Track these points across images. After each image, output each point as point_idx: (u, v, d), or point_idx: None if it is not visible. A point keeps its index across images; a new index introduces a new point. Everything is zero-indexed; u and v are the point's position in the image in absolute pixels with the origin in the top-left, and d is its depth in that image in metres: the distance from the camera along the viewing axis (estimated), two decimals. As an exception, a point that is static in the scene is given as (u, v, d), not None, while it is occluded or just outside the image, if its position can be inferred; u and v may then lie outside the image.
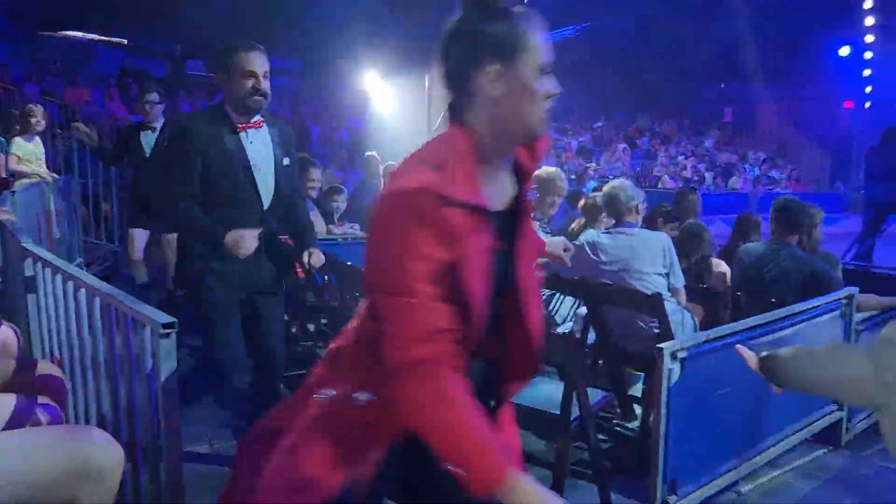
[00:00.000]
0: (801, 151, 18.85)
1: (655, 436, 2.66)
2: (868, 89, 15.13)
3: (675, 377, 2.70)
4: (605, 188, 3.94)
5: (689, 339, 2.82)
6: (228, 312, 2.84)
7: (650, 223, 4.92)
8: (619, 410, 3.91)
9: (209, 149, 2.70)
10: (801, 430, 3.54)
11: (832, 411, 3.72)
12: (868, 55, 14.64)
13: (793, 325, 3.37)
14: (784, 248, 3.98)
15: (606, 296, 3.67)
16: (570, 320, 4.33)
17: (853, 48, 15.35)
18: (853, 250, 8.72)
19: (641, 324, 3.64)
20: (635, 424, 3.72)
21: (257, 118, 2.81)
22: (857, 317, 3.81)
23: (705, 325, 3.90)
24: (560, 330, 4.35)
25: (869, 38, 14.50)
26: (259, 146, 2.82)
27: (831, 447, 3.70)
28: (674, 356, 2.68)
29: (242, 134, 2.78)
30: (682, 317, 3.71)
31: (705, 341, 2.86)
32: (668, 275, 3.73)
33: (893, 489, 3.30)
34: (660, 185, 14.27)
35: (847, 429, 3.78)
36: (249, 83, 2.71)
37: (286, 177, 2.93)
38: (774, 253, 3.99)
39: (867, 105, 15.20)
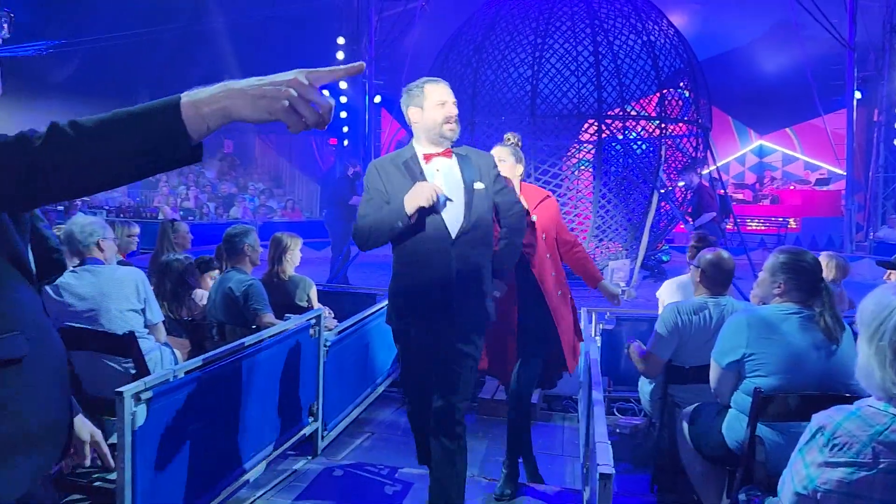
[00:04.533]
0: (295, 182, 20.49)
1: (120, 485, 2.51)
2: (345, 129, 17.23)
3: (140, 420, 2.59)
4: (66, 225, 3.61)
5: (155, 377, 2.74)
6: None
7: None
8: (100, 463, 3.60)
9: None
10: (282, 444, 3.77)
11: (308, 423, 4.04)
12: (343, 99, 16.71)
13: (267, 347, 3.56)
14: (236, 272, 4.18)
15: (75, 340, 3.34)
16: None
17: (331, 92, 17.38)
18: (329, 274, 9.77)
19: (115, 366, 3.41)
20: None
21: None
22: (327, 335, 4.23)
23: (192, 358, 3.85)
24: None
25: (343, 85, 16.54)
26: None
27: (310, 456, 4.02)
28: (137, 398, 2.57)
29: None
30: (160, 354, 3.60)
31: (174, 378, 2.81)
32: (144, 311, 3.59)
33: (359, 488, 3.72)
34: (160, 216, 13.87)
35: (323, 437, 4.15)
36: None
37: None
38: (225, 278, 4.16)
39: (346, 143, 17.29)
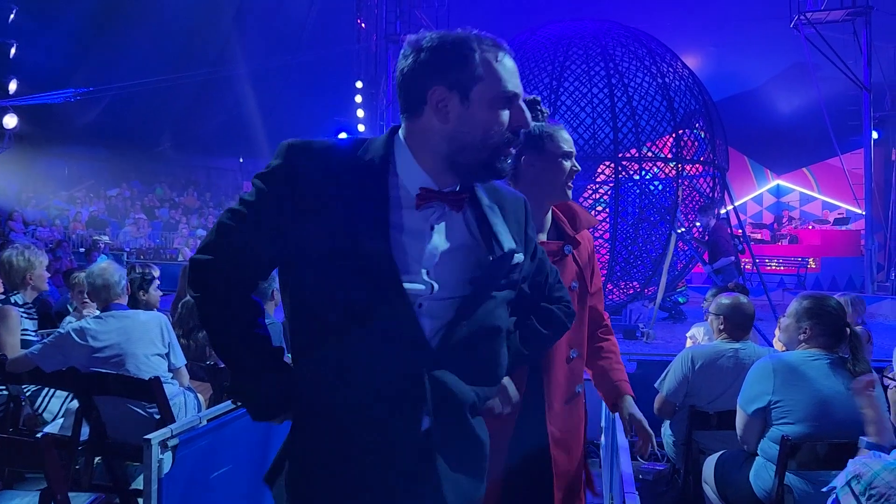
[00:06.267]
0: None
1: (145, 534, 2.50)
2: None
3: (166, 467, 2.59)
4: (93, 270, 3.66)
5: (181, 424, 2.75)
6: None
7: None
8: (120, 507, 3.61)
9: None
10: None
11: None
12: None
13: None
14: None
15: (99, 385, 3.38)
16: (62, 416, 3.88)
17: (350, 134, 17.70)
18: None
19: (140, 411, 3.44)
20: (139, 521, 3.47)
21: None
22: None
23: (214, 402, 3.87)
24: (49, 429, 3.86)
25: (361, 128, 16.84)
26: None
27: None
28: (164, 445, 2.58)
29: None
30: (184, 398, 3.62)
31: (199, 424, 2.82)
32: (168, 355, 3.62)
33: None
34: (180, 258, 14.03)
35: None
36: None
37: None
38: None
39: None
